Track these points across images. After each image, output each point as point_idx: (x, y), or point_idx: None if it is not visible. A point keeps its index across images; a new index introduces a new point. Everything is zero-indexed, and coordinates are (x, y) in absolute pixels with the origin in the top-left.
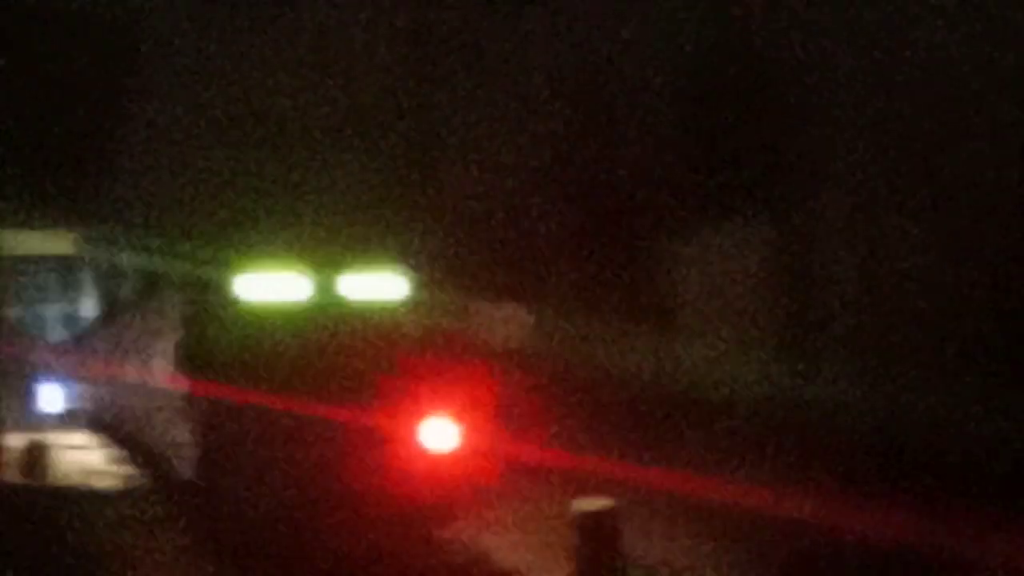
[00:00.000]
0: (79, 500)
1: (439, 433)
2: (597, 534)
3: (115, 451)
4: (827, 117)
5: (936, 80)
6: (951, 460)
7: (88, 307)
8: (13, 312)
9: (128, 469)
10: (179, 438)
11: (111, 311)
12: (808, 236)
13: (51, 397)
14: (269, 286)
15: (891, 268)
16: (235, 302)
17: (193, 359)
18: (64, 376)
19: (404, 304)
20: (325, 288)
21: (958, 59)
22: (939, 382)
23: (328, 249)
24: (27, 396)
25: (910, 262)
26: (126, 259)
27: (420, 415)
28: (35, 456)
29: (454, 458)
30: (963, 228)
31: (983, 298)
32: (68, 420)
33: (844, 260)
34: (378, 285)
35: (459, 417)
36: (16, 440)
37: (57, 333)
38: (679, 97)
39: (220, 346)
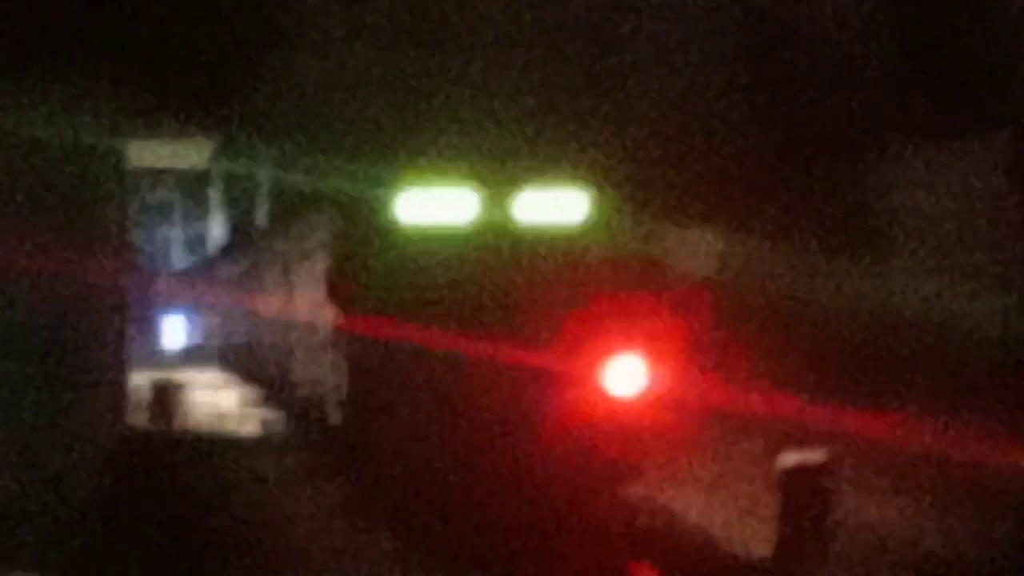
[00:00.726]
0: (215, 449)
1: (625, 374)
2: (806, 493)
3: (252, 392)
4: None
5: None
6: None
7: (219, 229)
8: (135, 234)
9: (267, 413)
10: (327, 379)
11: (245, 234)
12: None
13: (176, 330)
14: (432, 205)
15: None
16: (394, 223)
17: (345, 289)
18: (191, 307)
19: (585, 226)
20: (496, 207)
21: None
22: None
23: (500, 163)
24: (150, 329)
25: None
26: (265, 174)
27: (604, 354)
28: (164, 398)
29: (642, 403)
30: None
31: None
32: (196, 356)
33: None
34: (556, 205)
35: (648, 356)
36: (141, 379)
37: (183, 258)
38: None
39: (376, 274)
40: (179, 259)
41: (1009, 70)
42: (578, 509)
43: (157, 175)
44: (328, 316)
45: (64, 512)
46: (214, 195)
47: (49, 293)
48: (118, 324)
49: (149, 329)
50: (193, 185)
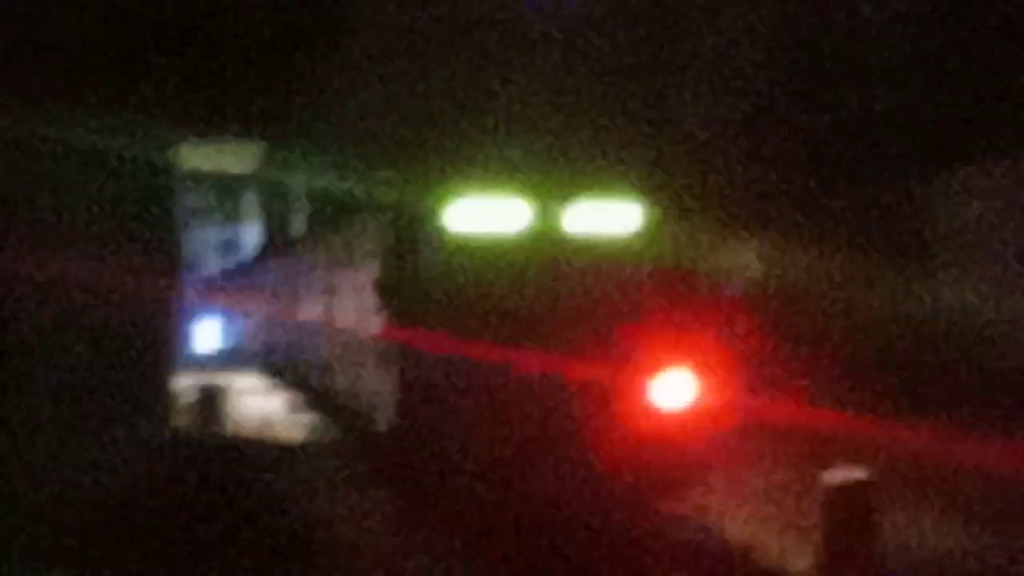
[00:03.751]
0: (261, 454)
1: (673, 388)
2: (849, 511)
3: (294, 398)
4: None
5: None
6: None
7: (256, 234)
8: (177, 239)
9: (311, 420)
10: (373, 387)
11: (284, 240)
12: None
13: (214, 335)
14: (483, 215)
15: None
16: (444, 233)
17: (394, 298)
18: (228, 311)
19: (636, 238)
20: (548, 218)
21: None
22: None
23: (552, 174)
24: (190, 333)
25: None
26: (310, 180)
27: (652, 367)
28: (209, 402)
29: (689, 417)
30: None
31: None
32: (234, 361)
33: None
34: (607, 216)
35: (696, 369)
36: (184, 383)
37: (221, 263)
38: (939, 19)
39: (426, 283)
40: (216, 263)
41: None
42: (624, 522)
43: (197, 179)
44: (373, 324)
45: (110, 514)
46: (253, 200)
47: (95, 297)
48: (163, 327)
49: (188, 333)
50: (232, 190)
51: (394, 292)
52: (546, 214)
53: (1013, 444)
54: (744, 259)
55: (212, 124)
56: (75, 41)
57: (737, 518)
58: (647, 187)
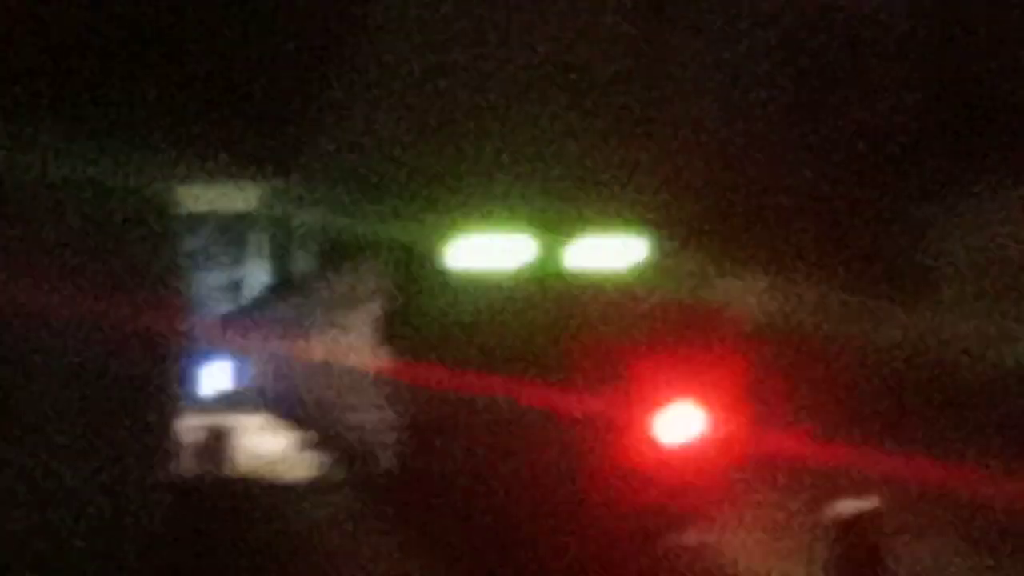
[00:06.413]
0: (267, 494)
1: (678, 422)
2: (858, 543)
3: (301, 437)
4: None
5: None
6: None
7: (261, 274)
8: (180, 278)
9: (318, 458)
10: (377, 424)
11: (290, 279)
12: None
13: (220, 375)
14: (486, 251)
15: None
16: (447, 270)
17: (398, 335)
18: (235, 352)
19: (639, 272)
20: (551, 253)
21: None
22: None
23: (554, 210)
24: (195, 374)
25: None
26: (314, 218)
27: (658, 401)
28: (214, 442)
29: (693, 452)
30: None
31: None
32: (240, 402)
33: None
34: (610, 250)
35: (702, 404)
36: (189, 424)
37: (225, 303)
38: (942, 38)
39: (430, 320)
40: (222, 304)
41: None
42: (630, 556)
43: (200, 218)
44: (378, 362)
45: (118, 558)
46: (257, 239)
47: (97, 337)
48: (166, 368)
49: (194, 374)
50: (236, 229)
51: (398, 330)
52: (549, 249)
53: (1015, 476)
54: (749, 292)
55: (214, 163)
56: (80, 75)
57: (745, 552)
58: (651, 221)
